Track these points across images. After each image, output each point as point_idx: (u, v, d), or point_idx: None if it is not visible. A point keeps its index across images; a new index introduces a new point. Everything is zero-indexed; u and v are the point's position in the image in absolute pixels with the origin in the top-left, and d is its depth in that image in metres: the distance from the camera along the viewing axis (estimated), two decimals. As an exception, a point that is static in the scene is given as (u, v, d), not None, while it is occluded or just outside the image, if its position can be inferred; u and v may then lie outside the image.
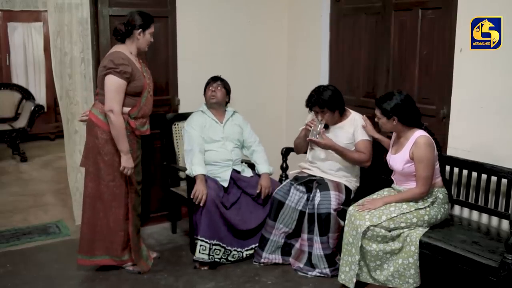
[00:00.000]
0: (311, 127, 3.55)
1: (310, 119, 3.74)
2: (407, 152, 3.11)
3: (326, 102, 3.55)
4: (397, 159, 3.18)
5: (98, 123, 3.37)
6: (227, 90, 4.08)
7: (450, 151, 3.41)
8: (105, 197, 3.44)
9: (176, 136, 4.29)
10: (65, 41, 4.01)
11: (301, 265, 3.60)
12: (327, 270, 3.50)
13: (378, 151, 3.68)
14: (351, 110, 3.76)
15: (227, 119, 4.03)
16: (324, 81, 4.52)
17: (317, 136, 3.51)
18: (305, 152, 3.94)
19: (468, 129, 3.35)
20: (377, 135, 3.60)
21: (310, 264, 3.57)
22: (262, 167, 3.95)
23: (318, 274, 3.53)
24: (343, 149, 3.56)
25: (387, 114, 3.14)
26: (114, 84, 3.28)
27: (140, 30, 3.40)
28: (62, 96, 4.12)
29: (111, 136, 3.34)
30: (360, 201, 3.28)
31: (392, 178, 3.33)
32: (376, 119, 3.25)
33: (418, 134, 3.10)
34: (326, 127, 3.66)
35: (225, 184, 3.78)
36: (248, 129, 4.12)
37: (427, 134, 3.11)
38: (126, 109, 3.36)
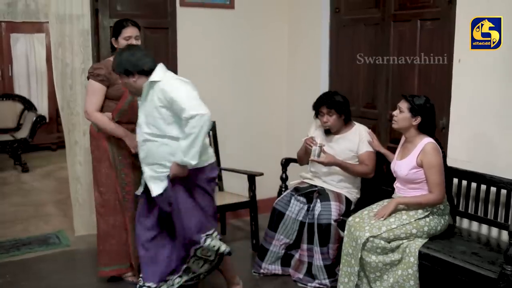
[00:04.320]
0: (310, 146, 3.53)
1: (312, 132, 3.75)
2: (415, 158, 3.09)
3: (336, 103, 3.58)
4: (402, 165, 3.17)
5: (91, 131, 3.51)
6: None
7: (450, 162, 3.40)
8: (97, 204, 3.53)
9: (177, 147, 4.29)
10: (67, 52, 4.05)
11: (301, 276, 3.59)
12: (327, 281, 3.48)
13: (378, 162, 3.68)
14: (355, 122, 3.77)
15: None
16: (325, 91, 4.53)
17: (318, 156, 3.48)
18: (308, 163, 3.95)
19: (467, 140, 3.35)
20: (383, 150, 3.60)
21: (309, 275, 3.56)
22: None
23: (317, 285, 3.51)
24: (346, 164, 3.56)
25: (414, 111, 3.09)
26: (89, 86, 3.42)
27: (114, 38, 3.48)
28: (64, 106, 4.15)
29: (98, 143, 3.44)
30: (371, 214, 3.21)
31: (394, 186, 3.32)
32: (394, 112, 3.19)
33: (427, 141, 3.08)
34: (328, 132, 3.67)
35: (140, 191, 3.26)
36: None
37: (434, 141, 3.11)
38: (108, 114, 3.42)
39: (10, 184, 6.38)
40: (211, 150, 3.15)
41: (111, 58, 3.44)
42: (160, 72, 2.97)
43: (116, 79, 3.39)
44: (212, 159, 3.12)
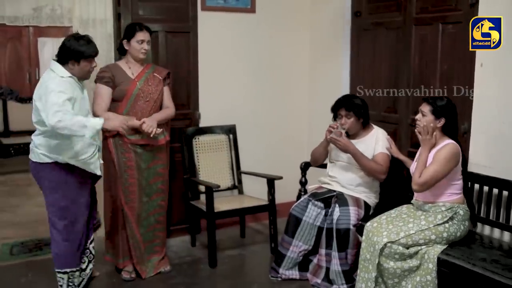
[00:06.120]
0: (333, 128, 3.54)
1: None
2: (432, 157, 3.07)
3: (354, 106, 3.57)
4: None
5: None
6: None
7: (471, 167, 3.36)
8: (106, 201, 3.75)
9: (197, 150, 4.32)
10: (90, 56, 4.10)
11: (319, 281, 3.57)
12: (345, 287, 3.44)
13: (398, 167, 3.64)
14: (374, 125, 3.75)
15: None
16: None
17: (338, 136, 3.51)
18: (321, 165, 3.93)
19: (489, 145, 3.30)
20: (402, 157, 3.56)
21: (327, 280, 3.53)
22: None
23: (335, 291, 3.50)
24: (361, 154, 3.52)
25: (437, 112, 3.05)
26: (96, 89, 3.57)
27: (125, 40, 3.61)
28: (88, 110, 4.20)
29: (104, 144, 3.55)
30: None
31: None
32: (417, 116, 3.14)
33: (448, 142, 3.05)
34: (347, 135, 3.65)
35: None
36: None
37: (457, 144, 3.06)
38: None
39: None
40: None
41: (117, 62, 3.69)
42: None
43: (118, 80, 3.57)
44: None
